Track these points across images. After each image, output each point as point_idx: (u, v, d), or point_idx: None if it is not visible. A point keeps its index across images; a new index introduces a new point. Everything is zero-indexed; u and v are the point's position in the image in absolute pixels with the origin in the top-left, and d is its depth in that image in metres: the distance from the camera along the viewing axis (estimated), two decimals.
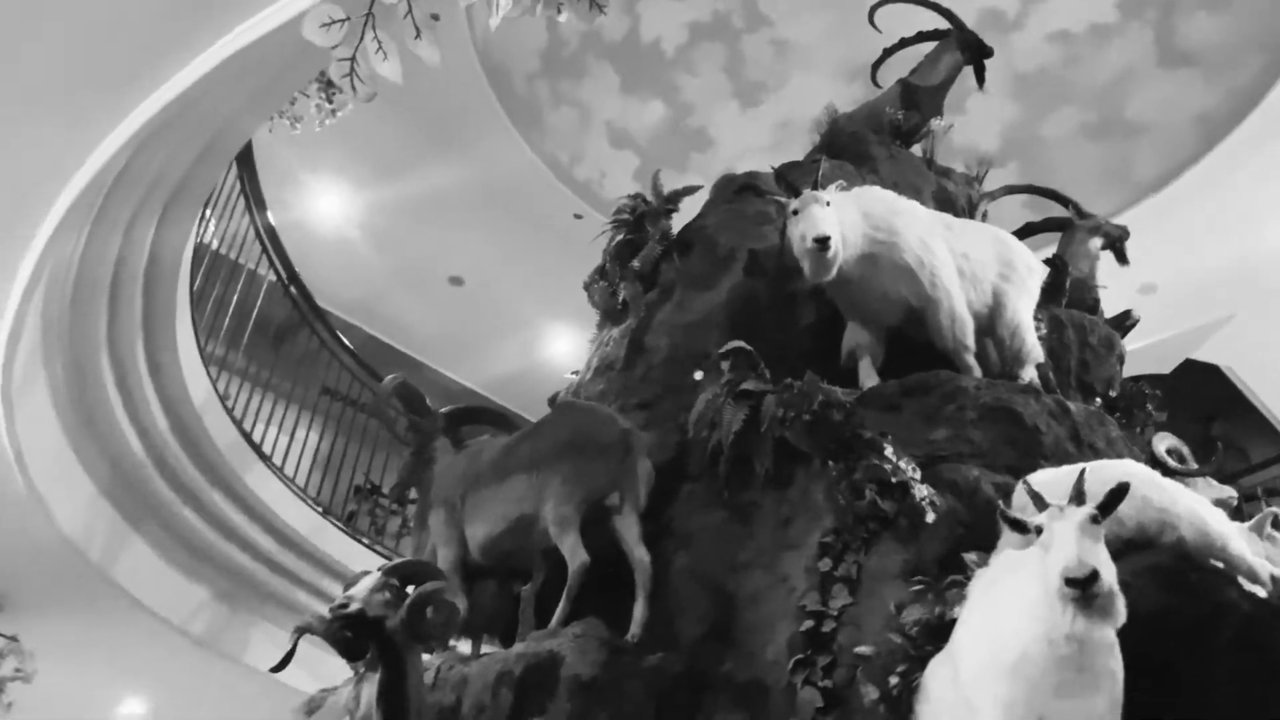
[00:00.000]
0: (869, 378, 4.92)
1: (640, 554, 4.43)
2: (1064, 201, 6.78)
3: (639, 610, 4.31)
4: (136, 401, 6.57)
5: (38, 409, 5.83)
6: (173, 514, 7.32)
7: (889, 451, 4.14)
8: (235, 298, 8.42)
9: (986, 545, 3.59)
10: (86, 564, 6.57)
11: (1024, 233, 6.25)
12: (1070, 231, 6.55)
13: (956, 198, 6.75)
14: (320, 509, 8.46)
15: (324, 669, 4.89)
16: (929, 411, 4.54)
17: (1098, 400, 5.30)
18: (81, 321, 5.88)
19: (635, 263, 6.09)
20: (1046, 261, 5.81)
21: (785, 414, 4.44)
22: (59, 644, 6.96)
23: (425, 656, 4.17)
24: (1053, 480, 3.33)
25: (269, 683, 6.88)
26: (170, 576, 7.42)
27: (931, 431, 4.43)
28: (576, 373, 6.24)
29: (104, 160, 4.63)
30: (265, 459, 7.95)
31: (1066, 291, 5.90)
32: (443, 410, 5.55)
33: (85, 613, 7.09)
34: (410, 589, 3.87)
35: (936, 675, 3.21)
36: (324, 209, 11.19)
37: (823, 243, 4.61)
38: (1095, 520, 2.76)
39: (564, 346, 11.96)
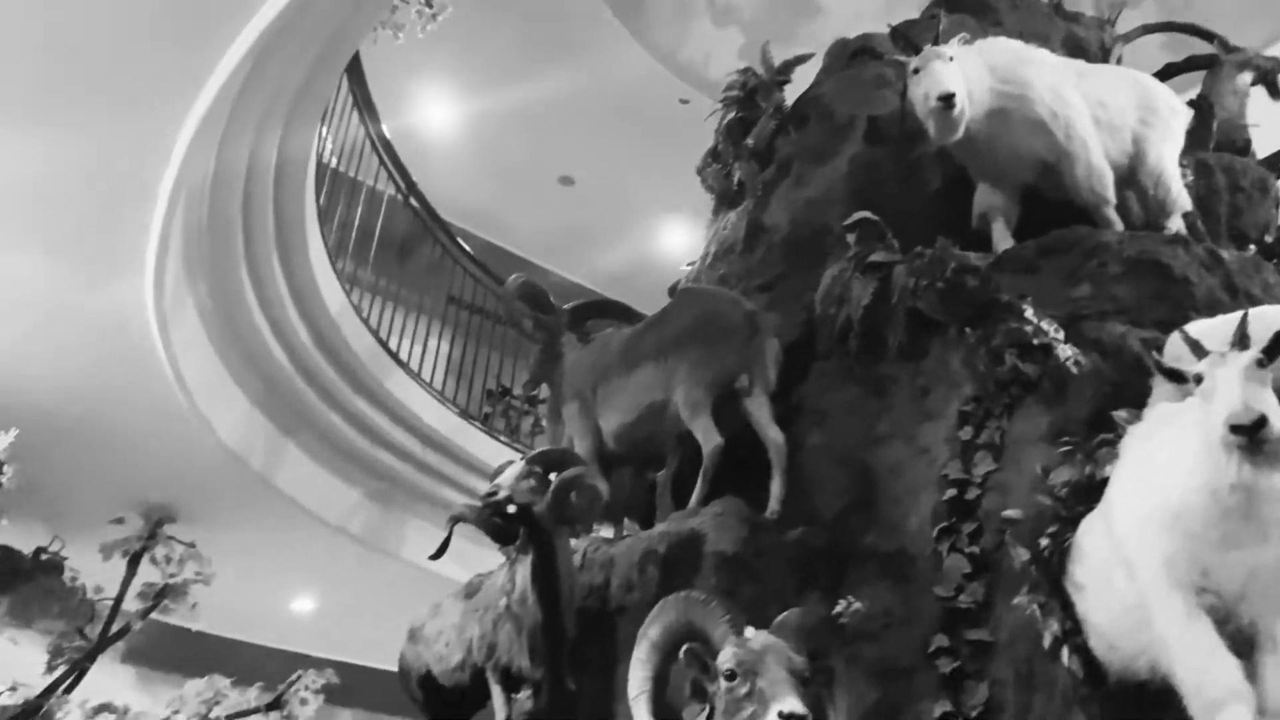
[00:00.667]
0: (1004, 240, 4.73)
1: (773, 433, 4.44)
2: (1207, 36, 6.27)
3: (776, 488, 4.35)
4: (278, 315, 6.85)
5: (189, 328, 6.14)
6: (322, 422, 7.69)
7: (1029, 313, 4.00)
8: (358, 214, 8.62)
9: (1135, 403, 3.46)
10: (249, 473, 6.99)
11: (1164, 75, 5.82)
12: (1215, 69, 6.06)
13: (1088, 43, 6.31)
14: (458, 410, 8.76)
15: (473, 560, 5.12)
16: (1069, 270, 4.35)
17: (1252, 247, 4.98)
18: (219, 240, 6.11)
19: (749, 140, 5.94)
20: (1190, 103, 5.42)
21: (917, 283, 4.33)
22: (232, 549, 7.45)
23: (572, 541, 4.33)
24: (1209, 329, 3.16)
25: (426, 575, 7.25)
26: (326, 480, 7.85)
27: (1073, 290, 4.25)
28: (692, 263, 6.20)
29: (226, 74, 4.74)
30: (402, 365, 8.25)
31: (1214, 133, 5.51)
32: (567, 306, 5.61)
33: (252, 518, 7.57)
34: (553, 476, 4.00)
35: (1090, 534, 3.15)
36: (432, 118, 11.27)
37: (947, 100, 4.40)
38: (1261, 364, 2.62)
39: (678, 238, 11.89)
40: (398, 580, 8.27)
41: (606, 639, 4.30)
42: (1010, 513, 3.48)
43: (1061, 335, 3.98)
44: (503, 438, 9.19)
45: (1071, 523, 3.26)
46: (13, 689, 6.38)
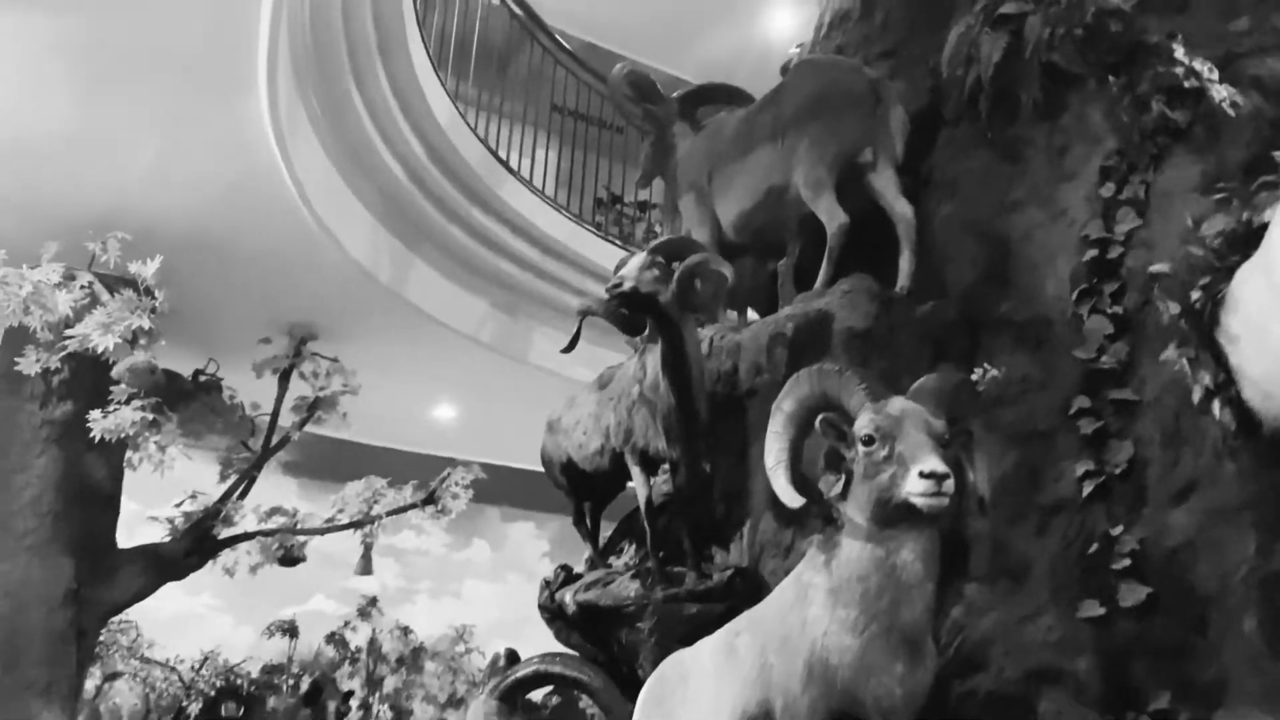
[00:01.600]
0: None
1: (901, 207, 4.29)
2: None
3: (905, 263, 4.24)
4: (388, 127, 6.87)
5: (306, 144, 6.21)
6: (442, 234, 7.83)
7: (1179, 54, 3.69)
8: (455, 23, 8.44)
9: None
10: (379, 287, 7.22)
11: None
12: None
13: None
14: (571, 216, 8.78)
15: (599, 363, 5.20)
16: (1225, 2, 3.96)
17: None
18: (324, 51, 6.08)
19: None
20: None
21: (1053, 33, 4.03)
22: (372, 362, 7.80)
23: (698, 330, 4.36)
24: None
25: (556, 378, 7.50)
26: (452, 291, 8.06)
27: (1229, 24, 3.89)
28: (802, 45, 5.88)
29: None
30: (513, 173, 8.25)
31: None
32: (676, 94, 5.43)
33: (388, 332, 7.88)
34: (676, 265, 3.98)
35: (1247, 283, 2.99)
36: None
37: None
38: None
39: (785, 20, 11.31)
40: (529, 384, 8.56)
41: (738, 422, 4.38)
42: (1158, 267, 3.32)
43: (1216, 76, 3.67)
44: (616, 241, 9.21)
45: (1225, 273, 3.09)
46: (193, 496, 6.96)
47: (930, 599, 2.87)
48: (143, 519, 7.05)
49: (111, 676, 10.78)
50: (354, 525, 7.07)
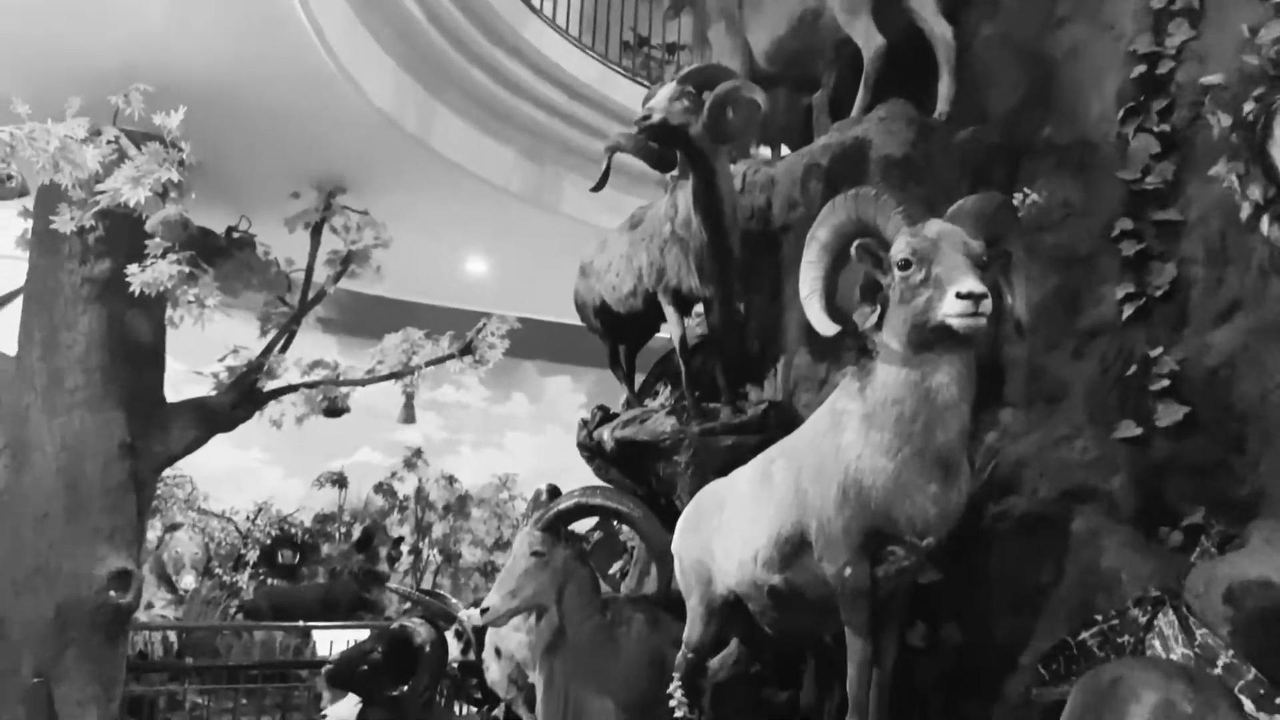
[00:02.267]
0: None
1: (940, 28, 4.12)
2: None
3: (944, 87, 4.10)
4: None
5: None
6: (466, 77, 7.64)
7: None
8: None
9: None
10: (405, 136, 7.11)
11: None
12: None
13: None
14: (598, 56, 8.53)
15: (631, 210, 5.12)
16: None
17: None
18: None
19: None
20: None
21: None
22: (401, 215, 7.74)
23: (730, 165, 4.26)
24: None
25: (588, 228, 7.42)
26: (480, 140, 7.93)
27: None
28: None
29: None
30: (536, 11, 7.98)
31: None
32: None
33: (416, 183, 7.80)
34: (706, 95, 3.86)
35: None
36: None
37: None
38: None
39: None
40: (561, 235, 8.51)
41: (771, 258, 4.34)
42: (1210, 79, 3.18)
43: None
44: (646, 84, 8.95)
45: None
46: (235, 351, 7.08)
47: (965, 421, 2.88)
48: (189, 377, 7.20)
49: (172, 528, 11.29)
50: (394, 376, 7.18)
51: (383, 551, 12.32)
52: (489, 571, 12.95)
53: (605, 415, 4.55)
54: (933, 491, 2.86)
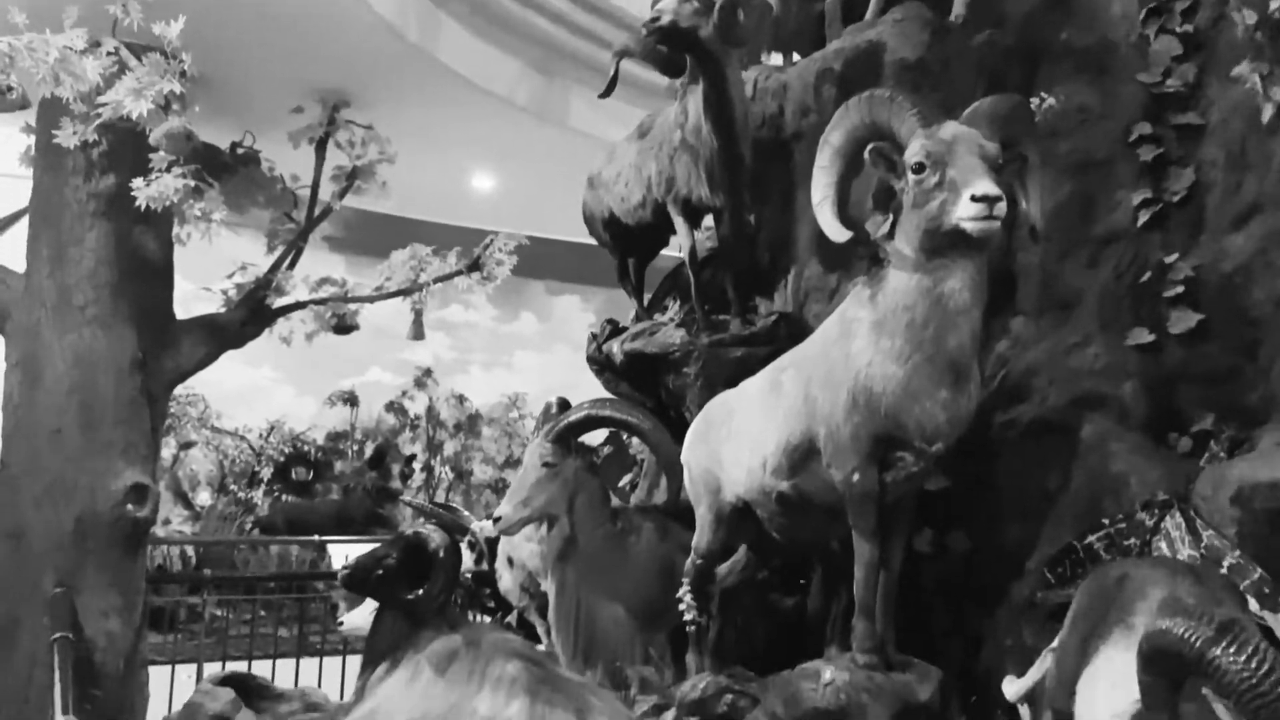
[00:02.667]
0: None
1: None
2: None
3: None
4: None
5: None
6: None
7: None
8: None
9: None
10: (409, 47, 6.96)
11: None
12: None
13: None
14: None
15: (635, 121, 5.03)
16: None
17: None
18: None
19: None
20: None
21: None
22: (407, 130, 7.63)
23: (742, 72, 4.18)
24: None
25: (597, 143, 7.30)
26: (484, 50, 7.77)
27: None
28: None
29: None
30: None
31: None
32: None
33: (421, 97, 7.67)
34: None
35: None
36: None
37: None
38: None
39: None
40: (569, 150, 8.36)
41: (783, 167, 4.28)
42: None
43: None
44: None
45: None
46: (243, 268, 7.05)
47: (976, 327, 2.86)
48: (197, 295, 7.20)
49: (186, 445, 11.43)
50: (402, 293, 7.14)
51: (395, 469, 12.48)
52: (500, 488, 13.11)
53: (614, 329, 4.54)
54: (942, 397, 2.86)
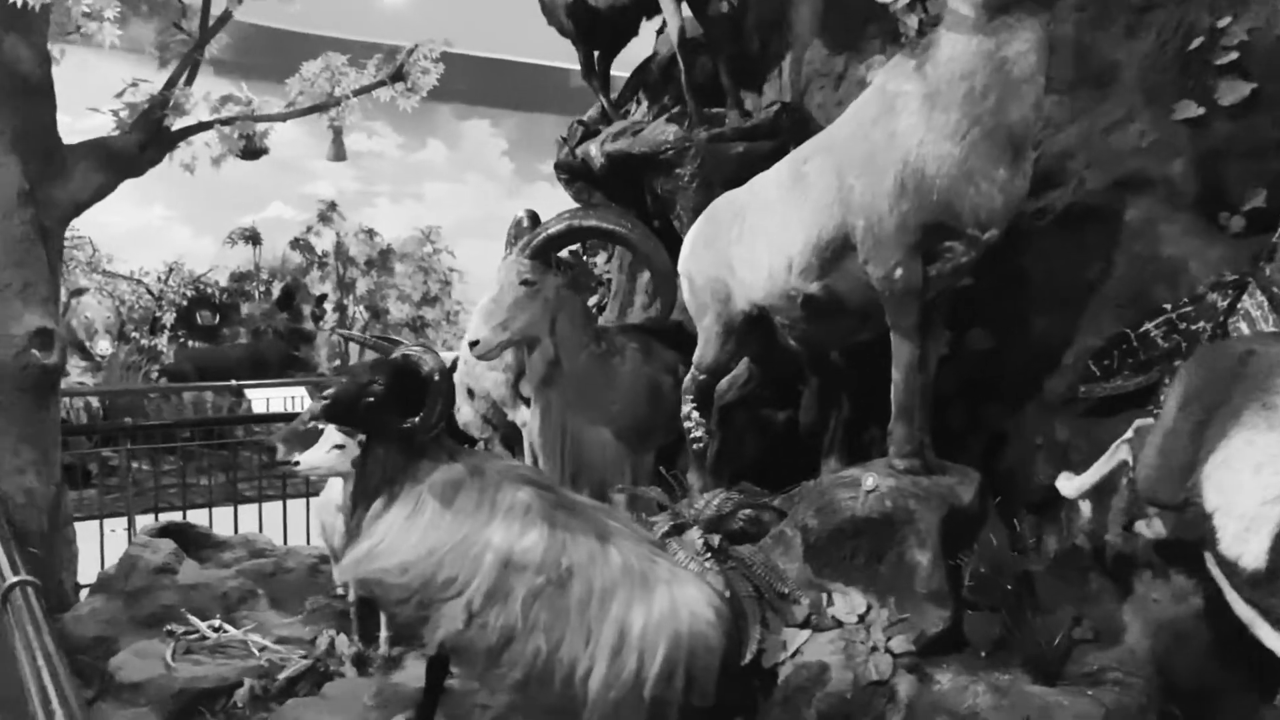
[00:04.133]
0: None
1: None
2: None
3: None
4: None
5: None
6: None
7: None
8: None
9: None
10: None
11: None
12: None
13: None
14: None
15: None
16: None
17: None
18: None
19: None
20: None
21: None
22: None
23: None
24: None
25: None
26: None
27: None
28: None
29: None
30: None
31: None
32: None
33: None
34: None
35: None
36: None
37: None
38: None
39: None
40: None
41: None
42: None
43: None
44: None
45: None
46: (134, 85, 6.27)
47: (1040, 97, 2.58)
48: (80, 130, 6.44)
49: (77, 292, 10.60)
50: (318, 108, 6.46)
51: (306, 309, 11.89)
52: (418, 327, 12.69)
53: (587, 130, 4.12)
54: (1000, 177, 2.60)
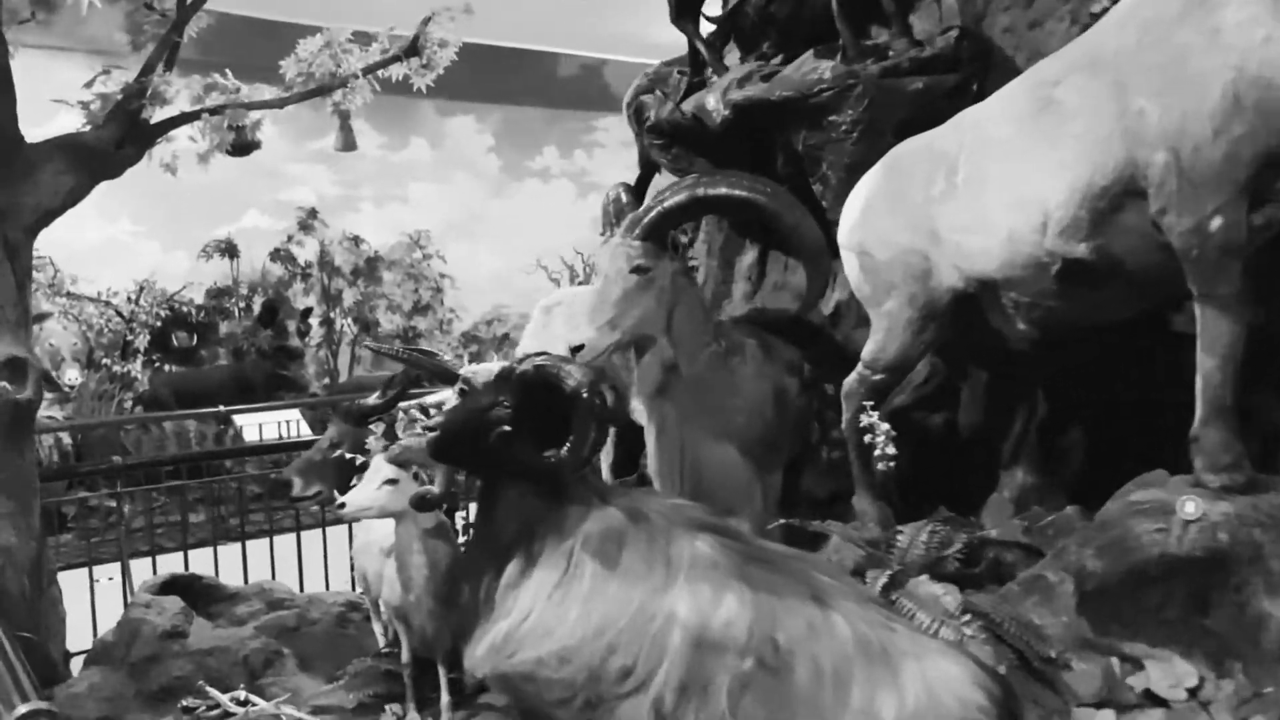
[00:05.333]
0: None
1: None
2: None
3: None
4: None
5: None
6: None
7: None
8: None
9: None
10: None
11: None
12: None
13: None
14: None
15: None
16: None
17: None
18: None
19: None
20: None
21: None
22: None
23: None
24: None
25: None
26: None
27: None
28: None
29: None
30: None
31: None
32: None
33: None
34: None
35: None
36: None
37: None
38: None
39: None
40: None
41: None
42: None
43: None
44: None
45: None
46: (106, 73, 5.44)
47: None
48: (48, 124, 5.61)
49: (39, 317, 9.66)
50: (320, 91, 5.66)
51: (291, 325, 11.03)
52: (410, 338, 11.90)
53: (694, 82, 3.36)
54: None
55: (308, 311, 11.28)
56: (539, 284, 13.18)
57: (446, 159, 12.94)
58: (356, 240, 11.60)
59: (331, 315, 11.47)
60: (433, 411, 4.41)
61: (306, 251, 11.47)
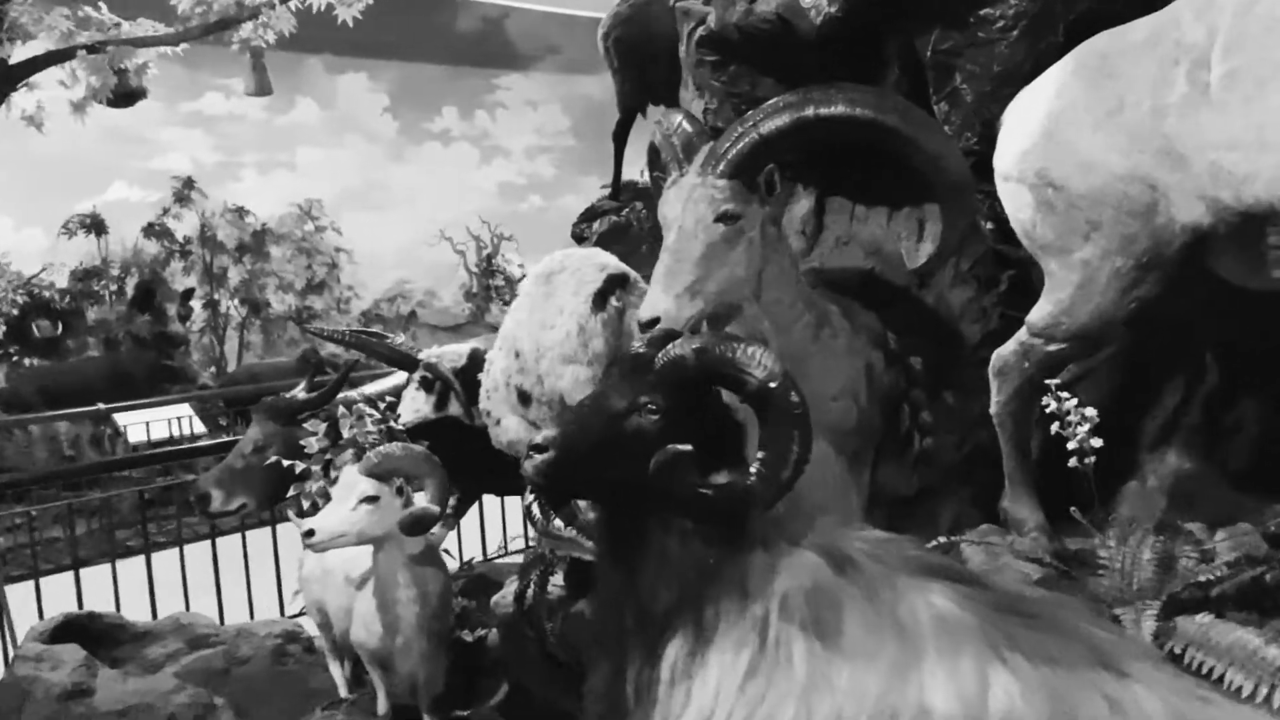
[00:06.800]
0: None
1: None
2: None
3: None
4: None
5: None
6: None
7: None
8: None
9: None
10: None
11: None
12: None
13: None
14: None
15: None
16: None
17: None
18: None
19: None
20: None
21: None
22: None
23: None
24: None
25: None
26: None
27: None
28: None
29: None
30: None
31: None
32: None
33: None
34: None
35: None
36: None
37: None
38: None
39: None
40: None
41: None
42: None
43: None
44: None
45: None
46: None
47: None
48: None
49: None
50: (223, 24, 4.74)
51: (171, 308, 9.99)
52: (306, 319, 10.93)
53: None
54: None
55: (189, 293, 10.27)
56: (443, 257, 12.34)
57: (338, 121, 11.90)
58: (241, 212, 10.57)
59: (216, 296, 10.48)
60: (381, 404, 3.72)
61: (184, 226, 10.44)
